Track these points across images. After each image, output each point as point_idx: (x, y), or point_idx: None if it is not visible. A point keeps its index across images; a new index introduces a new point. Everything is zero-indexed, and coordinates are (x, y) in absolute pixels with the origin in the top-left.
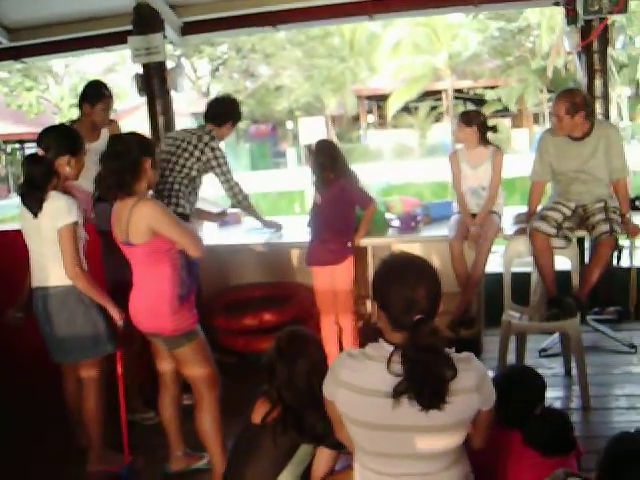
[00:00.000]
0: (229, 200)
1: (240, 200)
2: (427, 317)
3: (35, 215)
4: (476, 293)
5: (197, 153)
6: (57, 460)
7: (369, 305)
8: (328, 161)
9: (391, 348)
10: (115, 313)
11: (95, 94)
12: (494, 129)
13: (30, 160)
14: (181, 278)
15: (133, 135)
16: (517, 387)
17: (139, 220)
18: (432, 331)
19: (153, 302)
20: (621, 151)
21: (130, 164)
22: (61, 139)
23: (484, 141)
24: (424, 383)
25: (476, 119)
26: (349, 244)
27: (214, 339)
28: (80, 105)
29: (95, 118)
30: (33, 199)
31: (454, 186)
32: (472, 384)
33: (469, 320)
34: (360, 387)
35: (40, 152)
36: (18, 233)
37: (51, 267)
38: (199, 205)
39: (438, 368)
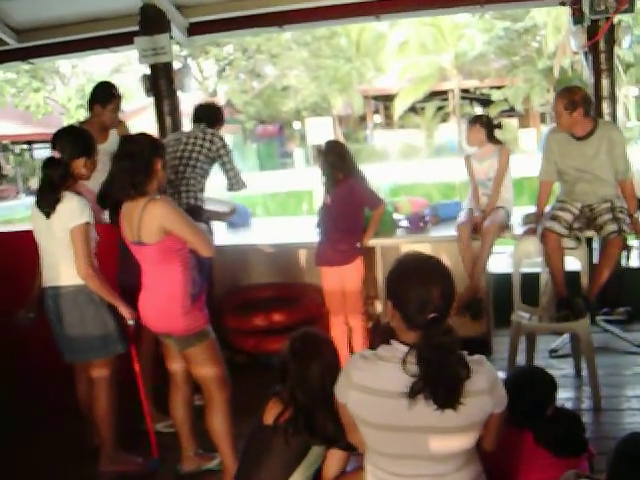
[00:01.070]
0: (235, 187)
1: (245, 186)
2: (441, 316)
3: (48, 216)
4: (483, 284)
5: (207, 144)
6: (70, 460)
7: (378, 305)
8: (337, 161)
9: (405, 348)
10: (126, 312)
11: (106, 95)
12: (499, 125)
13: (49, 163)
14: (193, 278)
15: (145, 136)
16: (528, 387)
17: (151, 220)
18: (446, 330)
19: (165, 302)
20: (624, 153)
21: (142, 164)
22: (76, 141)
23: (492, 139)
24: (439, 382)
25: (479, 118)
26: (358, 244)
27: (224, 339)
28: (90, 106)
29: (105, 119)
30: (48, 201)
31: (471, 183)
32: (484, 386)
33: (475, 306)
34: (373, 388)
35: (57, 155)
36: (27, 234)
37: (62, 267)
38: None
39: (452, 367)
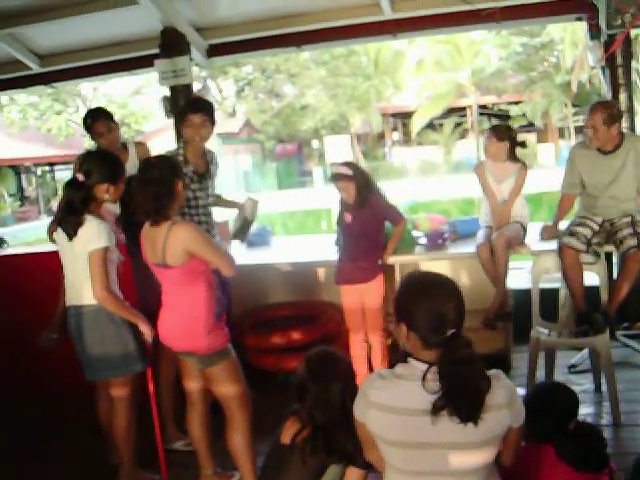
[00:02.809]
0: None
1: None
2: (458, 330)
3: (70, 239)
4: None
5: None
6: (89, 477)
7: None
8: (363, 181)
9: (423, 366)
10: (146, 329)
11: (86, 125)
12: (523, 144)
13: (70, 185)
14: (217, 297)
15: (164, 159)
16: (550, 403)
17: (176, 243)
18: (467, 343)
19: (188, 321)
20: None
21: (165, 189)
22: (102, 167)
23: (512, 157)
24: (462, 396)
25: (508, 134)
26: (379, 262)
27: (243, 358)
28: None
29: (103, 144)
30: (70, 224)
31: (487, 195)
32: (503, 401)
33: (505, 315)
34: (393, 407)
35: (80, 177)
36: (48, 255)
37: (84, 286)
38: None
39: (475, 380)
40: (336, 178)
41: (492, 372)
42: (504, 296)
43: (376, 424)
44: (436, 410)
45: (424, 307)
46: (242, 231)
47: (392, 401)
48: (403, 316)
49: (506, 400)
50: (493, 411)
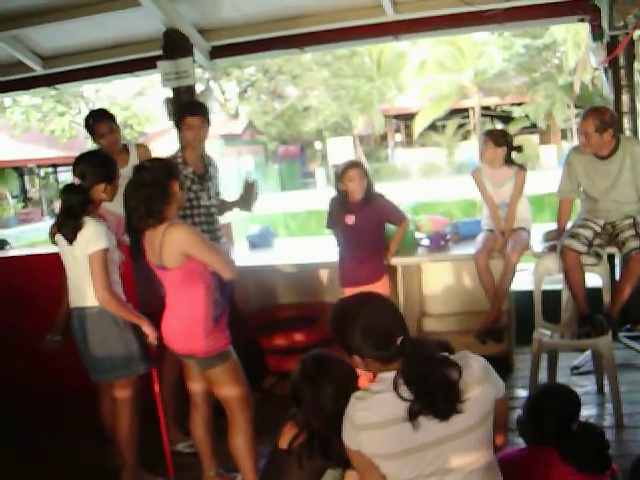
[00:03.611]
0: None
1: None
2: (405, 333)
3: (70, 242)
4: (505, 308)
5: None
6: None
7: None
8: (369, 178)
9: (391, 375)
10: (150, 331)
11: (88, 127)
12: (519, 149)
13: (68, 190)
14: (215, 299)
15: (156, 161)
16: (553, 404)
17: (172, 245)
18: (418, 342)
19: (187, 323)
20: None
21: (159, 191)
22: (96, 167)
23: (508, 161)
24: (434, 396)
25: (504, 139)
26: (384, 262)
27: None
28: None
29: (104, 146)
30: (69, 228)
31: (485, 201)
32: (479, 375)
33: (497, 331)
34: (380, 422)
35: (76, 181)
36: (52, 256)
37: (87, 288)
38: None
39: (440, 374)
40: (351, 166)
41: (459, 355)
42: (500, 312)
43: (370, 445)
44: (413, 415)
45: (361, 332)
46: (249, 196)
47: (377, 417)
48: (350, 350)
49: (482, 374)
50: (474, 389)
